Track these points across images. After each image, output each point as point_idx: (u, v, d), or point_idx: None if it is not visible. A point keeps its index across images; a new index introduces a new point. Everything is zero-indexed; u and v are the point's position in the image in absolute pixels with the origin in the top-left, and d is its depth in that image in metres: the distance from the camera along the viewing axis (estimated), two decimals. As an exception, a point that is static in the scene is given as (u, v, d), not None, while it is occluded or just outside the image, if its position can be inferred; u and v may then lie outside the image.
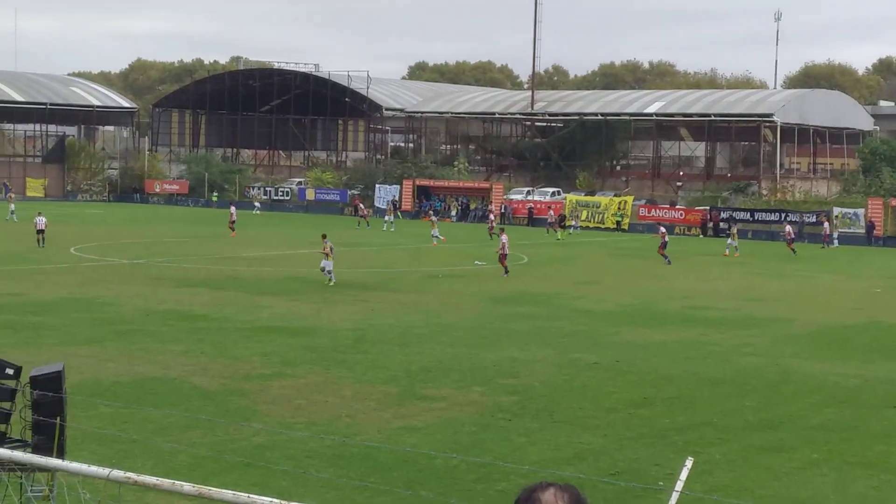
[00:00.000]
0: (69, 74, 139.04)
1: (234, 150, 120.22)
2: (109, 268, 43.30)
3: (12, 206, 70.70)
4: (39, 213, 54.01)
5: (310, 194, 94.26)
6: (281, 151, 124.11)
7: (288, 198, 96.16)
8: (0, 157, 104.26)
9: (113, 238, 57.02)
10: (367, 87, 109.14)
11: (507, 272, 43.69)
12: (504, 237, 44.80)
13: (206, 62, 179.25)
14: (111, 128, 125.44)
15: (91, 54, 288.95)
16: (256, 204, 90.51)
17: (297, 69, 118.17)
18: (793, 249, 58.95)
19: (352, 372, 23.81)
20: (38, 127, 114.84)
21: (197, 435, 18.28)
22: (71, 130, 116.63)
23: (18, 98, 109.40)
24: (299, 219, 70.03)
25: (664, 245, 52.21)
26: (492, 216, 73.07)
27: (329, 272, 39.32)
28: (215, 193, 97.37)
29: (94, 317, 30.47)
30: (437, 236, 59.03)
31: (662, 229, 54.89)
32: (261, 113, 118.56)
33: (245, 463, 16.54)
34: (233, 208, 66.27)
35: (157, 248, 51.75)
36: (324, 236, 40.75)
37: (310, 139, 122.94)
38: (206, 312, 31.95)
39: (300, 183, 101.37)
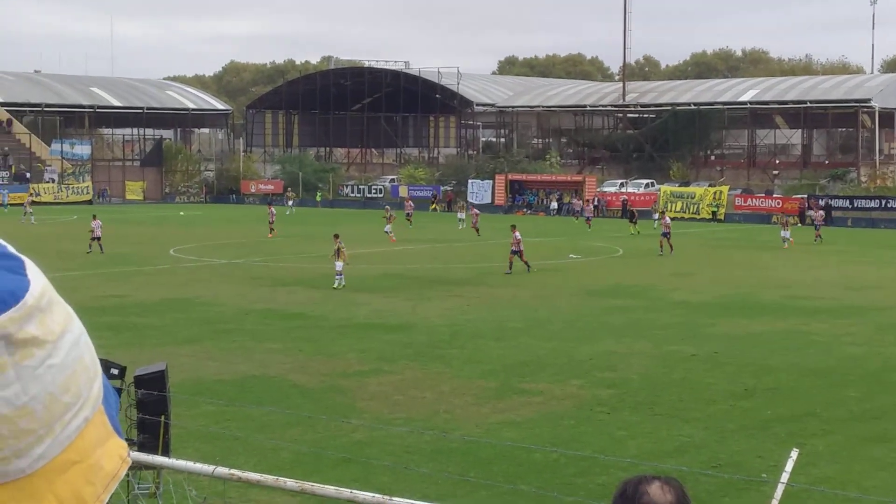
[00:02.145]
0: (164, 78, 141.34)
1: (327, 149, 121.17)
2: (208, 268, 43.92)
3: (30, 209, 71.89)
4: (95, 217, 51.28)
5: (402, 191, 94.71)
6: (373, 149, 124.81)
7: (381, 195, 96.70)
8: (99, 161, 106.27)
9: (211, 239, 57.78)
10: (458, 83, 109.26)
11: (522, 268, 41.76)
12: (517, 233, 42.15)
13: (298, 62, 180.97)
14: (206, 130, 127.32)
15: (185, 58, 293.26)
16: (290, 203, 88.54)
17: (388, 67, 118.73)
18: None
19: (449, 367, 23.86)
20: (135, 131, 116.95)
21: (297, 432, 18.46)
22: (167, 134, 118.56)
23: (116, 103, 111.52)
24: (402, 216, 70.38)
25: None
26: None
27: (339, 274, 37.48)
28: (319, 193, 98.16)
29: (194, 316, 30.93)
30: (388, 232, 58.01)
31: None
32: (352, 111, 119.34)
33: (345, 459, 16.68)
34: (272, 209, 63.69)
35: (254, 248, 52.36)
36: (336, 236, 39.15)
37: (401, 136, 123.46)
38: (303, 311, 32.25)
39: (393, 180, 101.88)
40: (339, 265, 37.46)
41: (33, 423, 1.10)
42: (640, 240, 58.47)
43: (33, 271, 1.16)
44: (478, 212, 65.17)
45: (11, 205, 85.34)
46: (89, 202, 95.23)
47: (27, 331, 1.10)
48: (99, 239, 49.06)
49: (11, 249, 1.18)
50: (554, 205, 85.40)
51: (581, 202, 79.35)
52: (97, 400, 1.19)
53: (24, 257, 1.18)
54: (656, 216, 73.23)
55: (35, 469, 1.11)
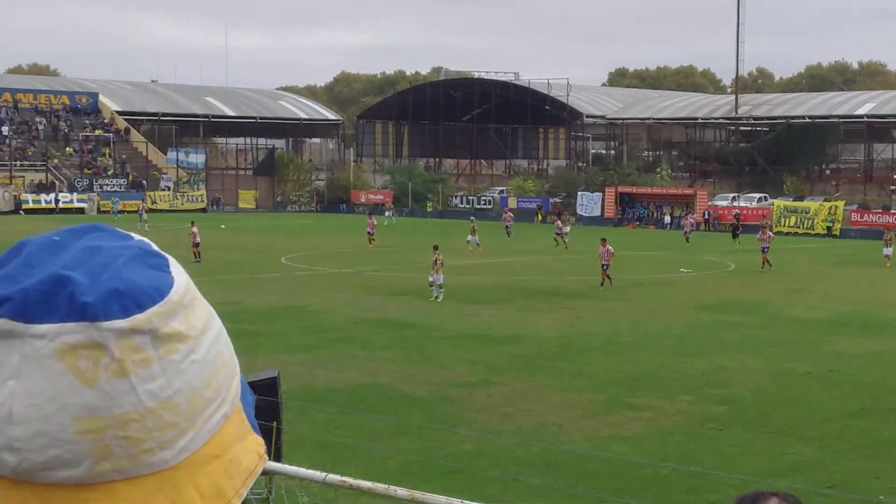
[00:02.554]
0: (277, 89, 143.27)
1: (437, 159, 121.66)
2: (319, 277, 44.36)
3: (145, 216, 73.36)
4: (193, 224, 51.07)
5: (511, 202, 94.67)
6: (482, 160, 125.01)
7: (490, 206, 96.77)
8: (213, 170, 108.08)
9: (321, 248, 58.36)
10: (568, 95, 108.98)
11: (607, 282, 40.83)
12: (604, 247, 41.06)
13: (408, 73, 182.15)
14: (318, 140, 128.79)
15: (297, 68, 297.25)
16: (388, 213, 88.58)
17: (497, 78, 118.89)
18: None
19: (558, 380, 23.77)
20: (248, 140, 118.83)
21: (406, 441, 18.54)
22: (279, 143, 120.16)
23: (230, 113, 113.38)
24: (502, 227, 70.25)
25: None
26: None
27: (435, 285, 36.87)
28: (430, 203, 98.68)
29: (305, 325, 31.26)
30: (470, 242, 56.95)
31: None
32: (462, 122, 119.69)
33: (454, 469, 16.69)
34: (372, 219, 63.02)
35: (364, 258, 52.73)
36: (435, 248, 38.46)
37: (511, 147, 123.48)
38: (414, 320, 32.39)
39: (502, 191, 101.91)
40: (439, 278, 37.00)
41: (177, 417, 1.13)
42: (753, 255, 57.62)
43: (177, 269, 1.19)
44: (568, 228, 64.13)
45: (123, 212, 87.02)
46: (203, 210, 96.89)
47: (172, 326, 1.13)
48: (197, 245, 49.16)
49: (155, 247, 1.21)
50: (667, 218, 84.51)
51: (686, 217, 78.38)
52: (235, 396, 1.22)
53: (168, 255, 1.20)
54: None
55: (178, 461, 1.14)
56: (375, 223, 62.56)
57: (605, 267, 41.03)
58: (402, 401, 21.72)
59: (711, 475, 15.93)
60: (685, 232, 69.07)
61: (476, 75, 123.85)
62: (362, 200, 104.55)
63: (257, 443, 1.24)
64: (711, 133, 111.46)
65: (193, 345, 1.15)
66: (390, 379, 23.70)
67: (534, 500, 15.16)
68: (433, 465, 16.81)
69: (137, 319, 1.11)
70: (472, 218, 66.64)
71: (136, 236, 1.21)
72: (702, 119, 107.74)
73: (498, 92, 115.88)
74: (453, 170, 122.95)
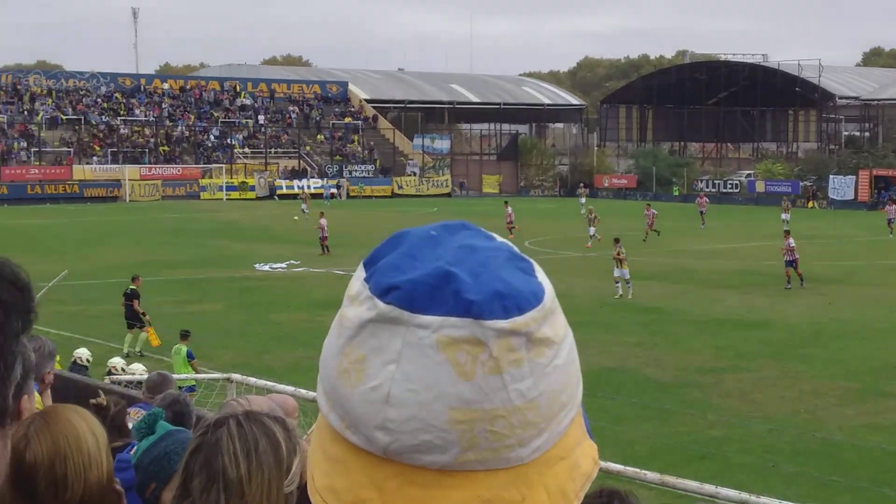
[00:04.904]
0: (520, 75, 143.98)
1: (682, 143, 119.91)
2: (562, 260, 44.42)
3: (304, 206, 68.76)
4: (322, 214, 48.48)
5: (759, 186, 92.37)
6: (729, 144, 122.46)
7: (737, 190, 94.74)
8: (458, 155, 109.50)
9: (564, 232, 58.40)
10: (819, 76, 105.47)
11: (800, 282, 35.98)
12: (787, 241, 36.57)
13: (652, 57, 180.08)
14: (560, 125, 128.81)
15: (541, 54, 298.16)
16: (583, 200, 76.37)
17: (745, 60, 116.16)
18: None
19: (809, 366, 23.14)
20: (492, 126, 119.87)
21: (653, 425, 18.42)
22: (523, 128, 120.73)
23: (474, 99, 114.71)
24: (749, 212, 68.71)
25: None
26: None
27: (622, 281, 34.47)
28: (675, 187, 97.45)
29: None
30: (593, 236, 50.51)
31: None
32: (708, 106, 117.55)
33: (702, 454, 16.50)
34: (509, 208, 57.27)
35: (606, 243, 52.38)
36: (616, 241, 35.83)
37: (758, 131, 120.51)
38: (659, 305, 32.08)
39: (749, 175, 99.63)
40: (625, 273, 34.31)
41: (537, 417, 1.17)
42: None
43: (541, 274, 1.24)
44: (655, 212, 55.22)
45: (333, 197, 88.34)
46: (448, 195, 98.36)
47: (543, 331, 1.18)
48: (325, 239, 46.47)
49: (517, 250, 1.25)
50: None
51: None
52: (580, 402, 1.26)
53: (531, 259, 1.25)
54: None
55: (531, 459, 1.18)
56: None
57: (789, 264, 36.27)
58: (648, 385, 21.58)
59: (977, 468, 15.23)
60: None
61: (723, 58, 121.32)
62: (605, 185, 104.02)
63: (592, 448, 1.27)
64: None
65: (557, 350, 1.19)
66: (636, 363, 23.58)
67: (786, 488, 14.80)
68: (681, 450, 16.65)
69: (517, 322, 1.15)
70: (591, 209, 54.76)
71: (499, 238, 1.26)
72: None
73: (745, 74, 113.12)
74: (698, 154, 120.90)
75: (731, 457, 16.32)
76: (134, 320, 26.18)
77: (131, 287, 26.63)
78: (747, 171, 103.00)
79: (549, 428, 1.18)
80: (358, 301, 1.18)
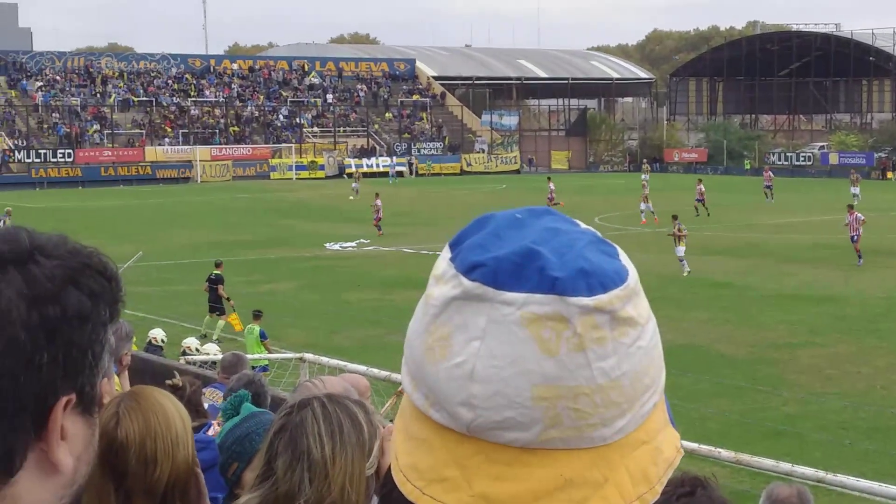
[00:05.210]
0: (589, 49, 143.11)
1: (753, 116, 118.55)
2: (631, 236, 44.14)
3: (355, 185, 68.78)
4: (377, 195, 47.40)
5: (833, 158, 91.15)
6: (801, 115, 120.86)
7: (810, 163, 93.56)
8: (526, 131, 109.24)
9: (633, 207, 57.98)
10: (894, 45, 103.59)
11: (858, 259, 34.69)
12: (851, 215, 35.64)
13: (722, 28, 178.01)
14: (629, 99, 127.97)
15: (609, 28, 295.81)
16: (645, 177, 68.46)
17: (817, 30, 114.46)
18: None
19: (884, 342, 22.85)
20: (560, 101, 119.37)
21: (725, 402, 18.29)
22: (591, 103, 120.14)
23: (542, 74, 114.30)
24: (822, 184, 67.77)
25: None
26: None
27: (681, 260, 33.65)
28: (747, 161, 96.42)
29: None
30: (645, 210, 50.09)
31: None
32: (779, 77, 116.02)
33: (775, 431, 16.36)
34: (551, 184, 57.70)
35: (680, 218, 51.93)
36: (674, 217, 35.58)
37: (831, 102, 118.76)
38: (730, 280, 31.82)
39: (822, 147, 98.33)
40: (680, 250, 33.83)
41: (620, 398, 1.17)
42: None
43: (625, 258, 1.24)
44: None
45: (400, 175, 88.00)
46: (517, 171, 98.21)
47: (626, 311, 1.18)
48: (378, 220, 45.98)
49: (601, 235, 1.26)
50: None
51: None
52: (663, 388, 1.25)
53: (615, 245, 1.26)
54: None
55: (613, 440, 1.18)
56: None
57: (854, 240, 35.22)
58: (719, 362, 21.44)
59: None
60: None
61: (794, 28, 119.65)
62: (675, 159, 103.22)
63: (675, 436, 1.27)
64: None
65: (641, 331, 1.19)
66: (707, 339, 23.42)
67: (862, 465, 14.65)
68: (755, 427, 16.53)
69: (601, 299, 1.16)
70: (644, 178, 54.15)
71: (583, 224, 1.26)
72: None
73: (818, 44, 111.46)
74: (770, 126, 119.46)
75: (806, 434, 16.17)
76: (217, 304, 26.45)
77: (216, 272, 26.80)
78: (820, 144, 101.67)
79: (631, 409, 1.18)
80: (444, 280, 1.20)
